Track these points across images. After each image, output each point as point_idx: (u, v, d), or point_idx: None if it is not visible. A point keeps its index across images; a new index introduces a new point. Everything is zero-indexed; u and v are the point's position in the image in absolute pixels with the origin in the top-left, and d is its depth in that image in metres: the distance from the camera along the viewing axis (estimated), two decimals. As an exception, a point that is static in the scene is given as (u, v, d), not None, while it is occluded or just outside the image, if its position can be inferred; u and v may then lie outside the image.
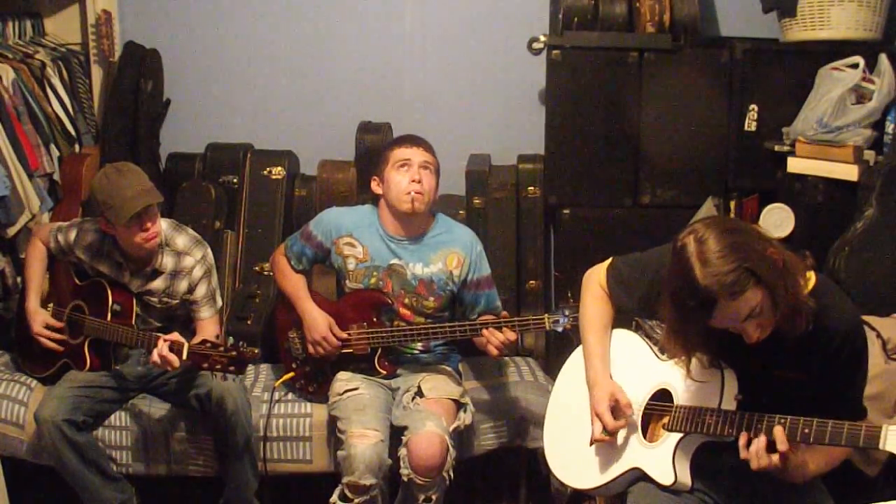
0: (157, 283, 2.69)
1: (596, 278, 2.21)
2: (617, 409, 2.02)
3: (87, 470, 2.57)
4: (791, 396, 1.88)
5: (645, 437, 2.01)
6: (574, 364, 2.26)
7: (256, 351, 2.46)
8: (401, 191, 2.62)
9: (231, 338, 2.46)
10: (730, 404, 1.86)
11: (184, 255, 2.70)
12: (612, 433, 2.01)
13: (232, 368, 2.42)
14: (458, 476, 2.53)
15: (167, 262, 2.69)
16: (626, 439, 2.02)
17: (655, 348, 2.09)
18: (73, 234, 2.73)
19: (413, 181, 2.62)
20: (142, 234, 2.55)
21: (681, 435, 1.91)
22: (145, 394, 2.79)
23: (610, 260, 2.21)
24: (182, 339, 2.47)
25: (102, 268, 2.70)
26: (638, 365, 2.08)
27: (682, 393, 1.95)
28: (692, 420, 1.88)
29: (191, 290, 2.71)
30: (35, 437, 2.66)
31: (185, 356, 2.44)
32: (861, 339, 1.90)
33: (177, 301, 2.71)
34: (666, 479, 1.91)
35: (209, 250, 2.77)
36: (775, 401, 1.88)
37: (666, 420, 1.96)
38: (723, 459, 1.96)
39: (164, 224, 2.70)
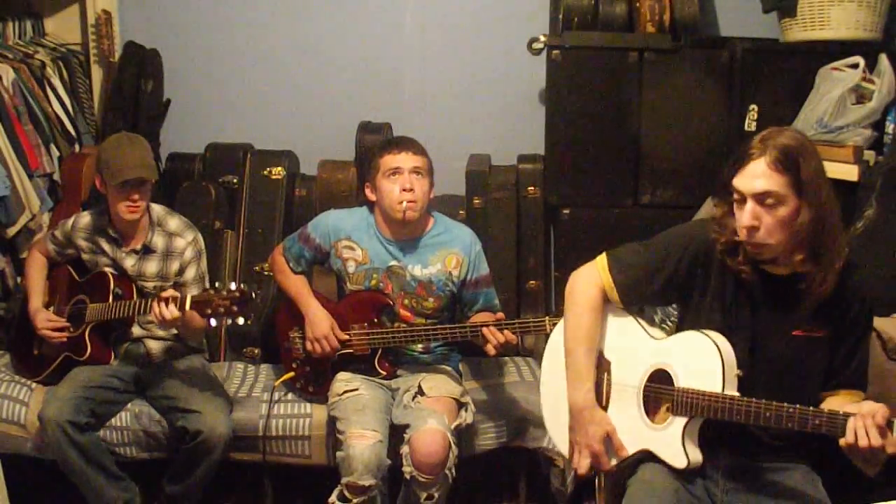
0: (151, 267, 2.74)
1: (587, 279, 2.07)
2: (610, 447, 2.00)
3: (91, 470, 2.58)
4: (805, 357, 1.92)
5: (650, 418, 1.99)
6: (555, 355, 2.18)
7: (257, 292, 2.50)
8: (393, 200, 2.60)
9: (233, 283, 2.47)
10: (732, 385, 1.87)
11: (175, 237, 2.77)
12: (602, 471, 2.03)
13: (235, 309, 2.43)
14: (459, 476, 2.53)
15: (158, 241, 2.75)
16: (631, 421, 2.01)
17: (647, 326, 2.06)
18: (69, 223, 2.81)
19: (404, 190, 2.60)
20: (126, 203, 2.63)
21: (686, 419, 1.91)
22: (145, 400, 2.80)
23: (600, 256, 2.09)
24: (183, 294, 2.53)
25: (102, 243, 2.74)
26: (631, 344, 2.06)
27: (681, 374, 1.94)
28: (696, 405, 1.88)
29: (181, 271, 2.76)
30: (38, 434, 2.68)
31: (188, 306, 2.46)
32: (872, 304, 1.97)
33: (170, 283, 2.75)
34: (679, 462, 1.91)
35: (199, 235, 2.83)
36: (789, 362, 1.92)
37: (669, 403, 1.95)
38: (720, 458, 1.98)
39: (157, 208, 2.79)
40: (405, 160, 2.63)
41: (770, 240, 1.83)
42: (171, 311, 2.47)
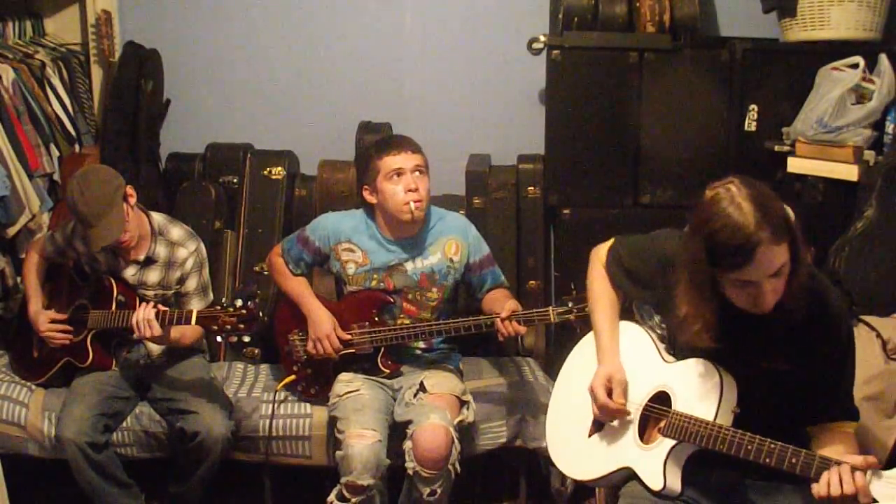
0: (153, 276, 2.73)
1: (599, 258, 2.20)
2: (612, 392, 2.02)
3: (105, 483, 2.60)
4: (779, 390, 1.88)
5: (642, 438, 1.99)
6: (576, 356, 2.26)
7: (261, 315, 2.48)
8: (399, 202, 2.59)
9: (240, 300, 2.47)
10: (726, 417, 1.84)
11: (178, 246, 2.74)
12: (607, 412, 2.02)
13: (242, 327, 2.43)
14: (459, 475, 2.53)
15: (160, 250, 2.72)
16: (624, 437, 2.02)
17: (661, 347, 2.07)
18: (69, 227, 2.78)
19: (410, 190, 2.59)
20: (114, 244, 2.60)
21: (674, 442, 1.89)
22: (145, 401, 2.81)
23: (611, 241, 2.19)
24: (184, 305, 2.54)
25: (99, 255, 2.72)
26: (642, 362, 2.07)
27: (681, 398, 1.93)
28: (686, 429, 1.86)
29: (182, 281, 2.74)
30: (38, 435, 2.71)
31: (193, 321, 2.46)
32: (847, 330, 1.89)
33: (171, 292, 2.74)
34: (655, 484, 1.90)
35: (202, 244, 2.81)
36: (764, 395, 1.88)
37: (662, 424, 1.94)
38: (714, 471, 1.95)
39: (158, 217, 2.77)
40: (406, 160, 2.61)
41: (777, 299, 1.76)
42: (149, 313, 2.48)
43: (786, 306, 1.77)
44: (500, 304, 2.55)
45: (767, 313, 1.77)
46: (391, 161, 2.61)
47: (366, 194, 2.69)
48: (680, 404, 1.93)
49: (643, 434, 2.00)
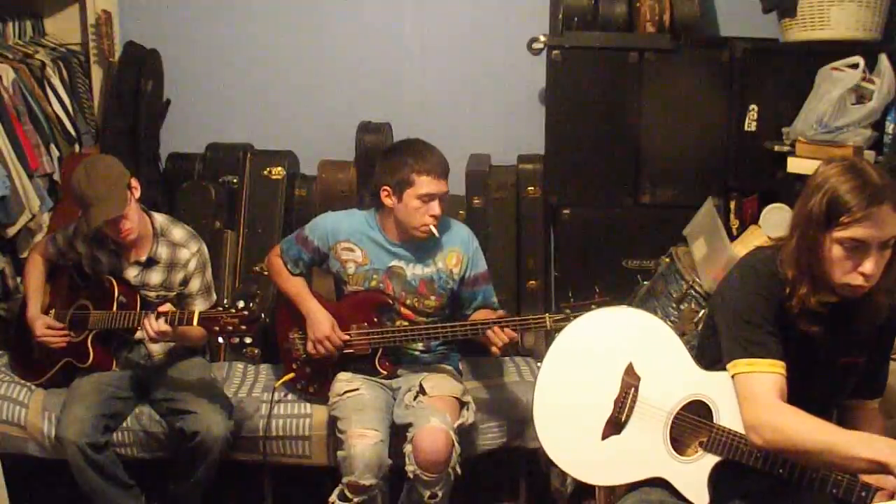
0: (155, 277, 2.73)
1: (759, 392, 1.80)
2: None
3: (106, 484, 2.60)
4: (848, 382, 1.90)
5: (674, 448, 1.92)
6: (565, 352, 2.12)
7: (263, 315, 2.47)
8: (419, 222, 2.58)
9: (241, 301, 2.46)
10: None
11: (179, 248, 2.74)
12: None
13: (244, 328, 2.43)
14: (459, 477, 2.53)
15: (162, 251, 2.72)
16: (652, 444, 1.94)
17: (692, 355, 1.97)
18: (70, 229, 2.78)
19: (433, 215, 2.59)
20: (114, 232, 2.59)
21: (718, 459, 1.85)
22: (145, 402, 2.81)
23: (739, 363, 1.84)
24: (187, 306, 2.53)
25: (102, 256, 2.72)
26: (670, 367, 1.97)
27: (725, 412, 1.86)
28: (735, 448, 1.82)
29: (185, 282, 2.74)
30: (38, 435, 2.72)
31: (195, 322, 2.45)
32: None
33: (174, 293, 2.74)
34: (701, 500, 1.85)
35: (204, 245, 2.81)
36: (833, 389, 1.89)
37: (704, 438, 1.89)
38: (742, 483, 1.91)
39: (160, 218, 2.76)
40: (440, 187, 2.59)
41: (875, 281, 1.74)
42: (159, 325, 2.48)
43: (877, 298, 1.78)
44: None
45: (857, 307, 1.79)
46: (428, 184, 2.56)
47: (383, 195, 2.62)
48: (723, 418, 1.86)
49: (674, 443, 1.93)
